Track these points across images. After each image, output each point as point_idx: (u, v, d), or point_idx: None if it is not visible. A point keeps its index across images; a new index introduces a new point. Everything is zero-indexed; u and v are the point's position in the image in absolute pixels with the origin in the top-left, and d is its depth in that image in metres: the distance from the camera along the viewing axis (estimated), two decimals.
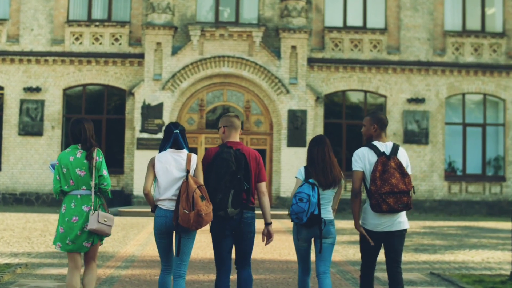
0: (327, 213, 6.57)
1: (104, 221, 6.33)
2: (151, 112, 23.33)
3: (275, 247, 13.10)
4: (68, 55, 24.06)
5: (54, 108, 24.05)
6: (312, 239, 6.59)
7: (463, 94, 24.94)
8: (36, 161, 23.81)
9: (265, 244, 6.66)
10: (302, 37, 23.69)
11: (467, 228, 18.55)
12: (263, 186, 6.56)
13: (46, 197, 23.70)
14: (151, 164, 6.36)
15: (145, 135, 23.22)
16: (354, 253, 12.09)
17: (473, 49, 24.84)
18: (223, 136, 6.57)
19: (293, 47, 23.69)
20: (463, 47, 24.80)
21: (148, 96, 23.35)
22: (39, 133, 23.89)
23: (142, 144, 23.16)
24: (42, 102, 23.96)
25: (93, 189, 6.38)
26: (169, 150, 6.35)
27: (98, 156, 6.43)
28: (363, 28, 24.73)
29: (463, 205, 24.29)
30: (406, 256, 12.07)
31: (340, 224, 18.87)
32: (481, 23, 25.26)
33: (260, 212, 6.61)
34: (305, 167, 6.62)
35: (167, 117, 23.30)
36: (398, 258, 6.44)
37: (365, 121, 6.62)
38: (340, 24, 24.81)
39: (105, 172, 6.45)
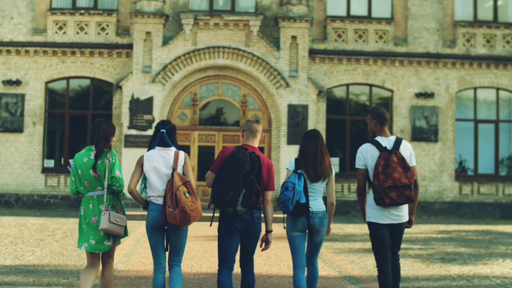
0: (319, 204, 6.70)
1: (117, 221, 6.38)
2: (140, 107, 21.56)
3: (281, 257, 11.40)
4: (50, 46, 22.23)
5: (35, 102, 22.24)
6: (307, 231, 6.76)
7: (475, 89, 23.27)
8: (16, 159, 22.00)
9: (262, 250, 6.67)
10: (303, 27, 21.99)
11: (487, 233, 16.90)
12: (269, 195, 6.66)
13: (26, 198, 21.90)
14: (139, 163, 6.45)
15: (133, 132, 21.46)
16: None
17: (485, 40, 23.21)
18: (242, 140, 6.76)
19: (293, 37, 21.98)
20: (475, 38, 23.16)
21: (136, 90, 21.59)
22: (19, 129, 22.07)
23: (130, 142, 21.40)
24: (22, 96, 22.15)
25: (105, 190, 6.42)
26: (157, 148, 6.44)
27: (111, 157, 6.47)
28: (368, 18, 23.02)
29: (475, 207, 22.63)
30: (435, 268, 10.40)
31: (347, 228, 17.21)
32: (494, 12, 23.61)
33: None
34: (296, 159, 6.77)
35: (158, 113, 21.56)
36: (396, 250, 6.68)
37: (367, 119, 6.83)
38: (343, 13, 23.10)
39: (117, 173, 6.46)
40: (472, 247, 13.56)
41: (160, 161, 6.36)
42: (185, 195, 6.13)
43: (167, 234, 6.38)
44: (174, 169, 6.31)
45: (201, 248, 12.33)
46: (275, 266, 10.43)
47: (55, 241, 12.98)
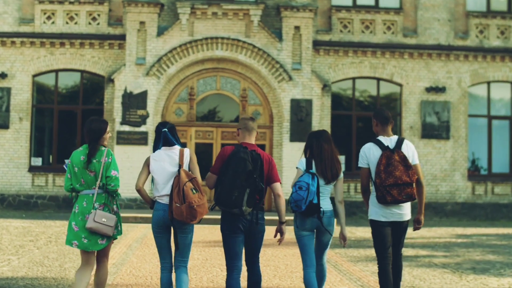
0: (327, 204, 6.72)
1: (103, 220, 6.31)
2: (134, 101, 20.20)
3: (291, 267, 10.06)
4: (38, 37, 20.83)
5: (22, 97, 20.86)
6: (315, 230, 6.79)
7: (488, 83, 21.96)
8: (1, 157, 20.59)
9: (279, 243, 6.68)
10: (307, 17, 20.64)
11: (510, 237, 15.58)
12: (278, 187, 6.57)
13: (12, 199, 20.50)
14: (146, 163, 6.52)
15: (126, 128, 20.09)
16: None
17: (499, 31, 21.91)
18: (238, 138, 6.73)
19: (297, 28, 20.65)
20: (488, 30, 21.86)
21: (130, 83, 20.23)
22: (4, 125, 20.65)
23: (123, 139, 20.03)
24: (8, 90, 20.76)
25: (96, 188, 6.41)
26: (163, 148, 6.48)
27: (108, 157, 6.47)
28: (376, 7, 21.70)
29: (489, 208, 21.33)
30: (469, 281, 9.08)
31: (358, 232, 15.93)
32: (508, 3, 22.35)
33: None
34: (307, 159, 6.76)
35: (152, 107, 20.19)
36: (399, 248, 6.74)
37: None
38: (349, 2, 21.76)
39: (113, 172, 6.47)
40: (500, 254, 12.24)
41: (167, 160, 6.41)
42: (192, 191, 6.14)
43: (174, 233, 6.39)
44: (180, 166, 6.34)
45: (200, 256, 10.99)
46: (287, 278, 9.08)
47: (36, 247, 11.60)
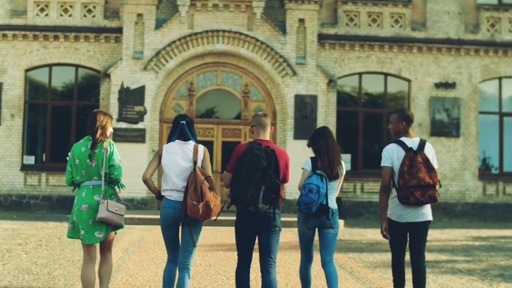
0: (332, 202, 6.70)
1: (115, 210, 6.28)
2: (131, 97, 19.32)
3: None
4: (31, 29, 19.95)
5: (14, 92, 19.97)
6: (317, 229, 6.76)
7: (500, 78, 21.10)
8: None
9: None
10: (312, 9, 19.78)
11: None
12: (284, 187, 6.60)
13: (3, 199, 19.59)
14: (158, 154, 6.41)
15: (123, 125, 19.20)
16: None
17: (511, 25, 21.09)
18: (252, 136, 6.68)
19: (301, 21, 19.78)
20: (500, 23, 21.02)
21: (126, 78, 19.35)
22: None
23: (120, 136, 19.13)
24: None
25: (103, 178, 6.32)
26: (177, 141, 6.39)
27: (110, 147, 6.39)
28: (383, 0, 20.84)
29: (500, 209, 20.47)
30: None
31: (369, 235, 15.06)
32: None
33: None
34: (312, 158, 6.76)
35: (150, 103, 19.31)
36: (421, 248, 6.61)
37: (392, 118, 6.84)
38: None
39: (116, 161, 6.39)
40: None
41: (180, 154, 6.30)
42: (209, 190, 6.03)
43: (187, 228, 6.22)
44: (195, 162, 6.21)
45: (203, 262, 10.10)
46: (300, 287, 8.22)
47: (25, 252, 10.71)
